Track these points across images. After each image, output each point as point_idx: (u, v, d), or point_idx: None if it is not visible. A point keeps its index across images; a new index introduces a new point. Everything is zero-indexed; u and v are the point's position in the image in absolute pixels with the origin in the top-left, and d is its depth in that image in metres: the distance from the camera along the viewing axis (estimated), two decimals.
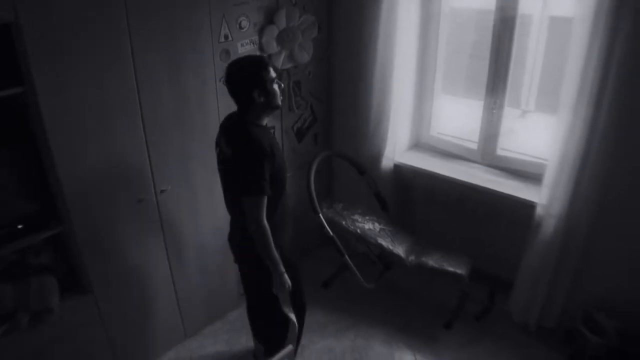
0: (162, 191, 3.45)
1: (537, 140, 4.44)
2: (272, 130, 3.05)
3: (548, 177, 3.65)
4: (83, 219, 3.08)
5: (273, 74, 2.89)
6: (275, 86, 2.93)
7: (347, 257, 4.08)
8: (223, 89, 3.67)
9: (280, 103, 3.01)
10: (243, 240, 3.14)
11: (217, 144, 3.09)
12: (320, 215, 3.92)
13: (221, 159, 3.05)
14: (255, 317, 3.67)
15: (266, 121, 3.06)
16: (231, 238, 3.33)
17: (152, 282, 3.62)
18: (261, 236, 2.92)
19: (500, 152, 4.35)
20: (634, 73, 3.15)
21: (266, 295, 3.20)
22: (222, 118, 3.67)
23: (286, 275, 3.07)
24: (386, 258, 4.28)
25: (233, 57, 3.71)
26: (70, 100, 2.82)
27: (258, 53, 3.92)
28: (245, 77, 2.88)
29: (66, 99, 2.80)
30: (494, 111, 4.18)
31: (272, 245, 2.97)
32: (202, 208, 3.77)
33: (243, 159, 2.88)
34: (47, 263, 3.16)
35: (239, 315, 4.29)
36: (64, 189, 2.93)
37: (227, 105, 3.76)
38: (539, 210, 3.76)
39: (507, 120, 4.29)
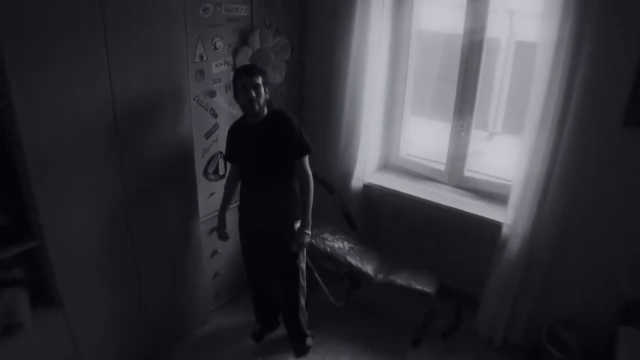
0: (134, 207, 3.46)
1: (504, 161, 4.54)
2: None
3: (513, 198, 3.75)
4: (55, 233, 3.06)
5: (243, 82, 3.33)
6: (242, 94, 3.36)
7: (316, 275, 4.14)
8: (197, 108, 3.73)
9: (247, 109, 3.43)
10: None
11: None
12: None
13: None
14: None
15: (250, 119, 3.50)
16: None
17: (121, 298, 3.61)
18: None
19: (467, 173, 4.45)
20: (595, 96, 3.29)
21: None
22: (196, 136, 3.76)
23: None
24: (355, 276, 4.32)
25: (207, 77, 3.81)
26: (46, 115, 2.83)
27: (232, 74, 3.98)
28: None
29: (43, 114, 2.81)
30: (462, 133, 4.28)
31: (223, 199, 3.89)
32: (174, 225, 3.80)
33: None
34: (19, 277, 3.13)
35: (208, 332, 4.31)
36: (37, 203, 2.92)
37: (201, 124, 3.82)
38: (504, 230, 3.85)
39: (474, 142, 4.37)
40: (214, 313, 4.48)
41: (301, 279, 3.79)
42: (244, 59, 4.00)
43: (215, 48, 3.82)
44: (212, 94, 3.88)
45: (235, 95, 3.45)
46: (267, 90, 3.44)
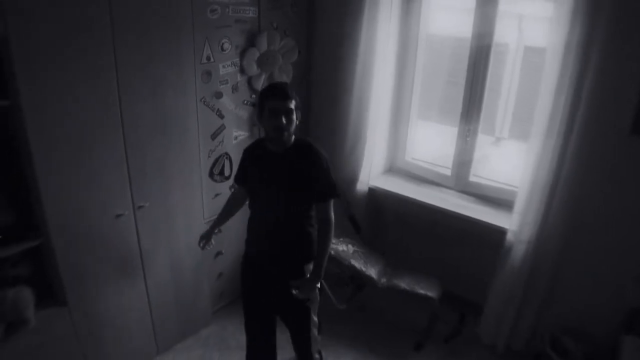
0: (140, 207, 3.48)
1: (510, 167, 4.52)
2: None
3: (519, 204, 3.74)
4: (61, 232, 3.09)
5: (274, 106, 2.87)
6: (271, 119, 2.89)
7: None
8: (203, 109, 3.73)
9: (273, 136, 2.95)
10: None
11: None
12: None
13: None
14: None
15: (272, 145, 3.02)
16: None
17: (126, 297, 3.63)
18: None
19: (473, 178, 4.44)
20: (603, 102, 3.27)
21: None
22: (201, 137, 3.74)
23: None
24: (359, 279, 4.32)
25: (214, 78, 3.81)
26: (54, 114, 2.85)
27: (239, 75, 4.00)
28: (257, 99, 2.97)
29: (50, 113, 2.84)
30: (468, 138, 4.27)
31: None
32: (179, 225, 3.80)
33: None
34: (24, 274, 3.15)
35: (212, 333, 4.33)
36: (43, 202, 2.95)
37: (207, 125, 3.81)
38: (509, 236, 3.84)
39: (481, 147, 4.36)
40: (218, 314, 4.48)
41: (313, 316, 3.32)
42: (251, 61, 4.01)
43: (223, 49, 3.82)
44: (218, 95, 3.88)
45: (260, 117, 3.00)
46: (298, 115, 2.99)
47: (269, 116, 2.89)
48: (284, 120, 2.88)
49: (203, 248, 3.54)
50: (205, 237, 3.53)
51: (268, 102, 2.89)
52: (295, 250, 3.21)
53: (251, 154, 3.24)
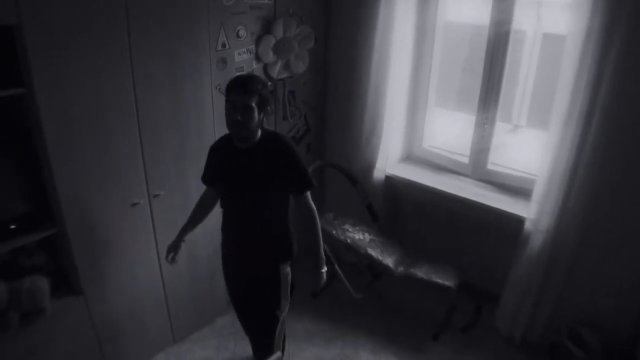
0: (155, 196, 3.46)
1: (527, 155, 4.48)
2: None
3: (537, 193, 3.70)
4: (76, 221, 3.09)
5: (232, 100, 2.77)
6: (228, 113, 2.82)
7: (337, 266, 4.12)
8: (219, 97, 3.70)
9: (232, 132, 2.92)
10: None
11: None
12: None
13: None
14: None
15: (236, 141, 2.95)
16: None
17: (142, 286, 3.63)
18: None
19: (490, 166, 4.39)
20: (624, 90, 3.20)
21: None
22: (217, 125, 3.70)
23: None
24: (375, 268, 4.30)
25: (230, 66, 3.79)
26: (68, 102, 2.84)
27: (255, 62, 3.98)
28: None
29: (64, 101, 2.82)
30: (486, 126, 4.22)
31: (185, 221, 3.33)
32: None
33: None
34: (40, 264, 3.16)
35: (227, 322, 4.31)
36: (58, 191, 2.94)
37: (223, 113, 3.78)
38: (527, 225, 3.80)
39: (498, 134, 4.32)
40: None
41: (278, 328, 3.36)
42: (266, 48, 3.98)
43: (238, 36, 3.79)
44: None
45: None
46: (263, 113, 2.87)
47: (227, 110, 2.82)
48: (239, 116, 2.76)
49: (172, 261, 3.30)
50: (174, 249, 3.29)
51: (228, 96, 2.80)
52: (275, 252, 3.17)
53: (219, 152, 3.13)
